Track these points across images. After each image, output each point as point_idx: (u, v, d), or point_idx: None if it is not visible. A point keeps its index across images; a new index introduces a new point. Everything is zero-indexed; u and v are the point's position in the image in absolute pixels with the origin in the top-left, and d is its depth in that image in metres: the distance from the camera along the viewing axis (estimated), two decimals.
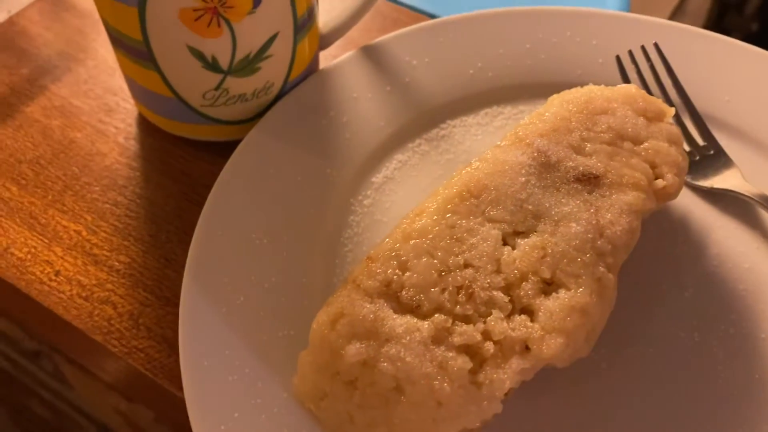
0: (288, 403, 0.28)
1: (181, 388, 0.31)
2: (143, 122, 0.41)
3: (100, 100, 0.42)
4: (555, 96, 0.34)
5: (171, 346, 0.32)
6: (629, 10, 0.80)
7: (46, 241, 0.36)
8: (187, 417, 0.27)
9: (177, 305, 0.33)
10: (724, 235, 0.35)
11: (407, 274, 0.27)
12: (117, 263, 0.35)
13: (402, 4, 0.75)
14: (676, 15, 1.15)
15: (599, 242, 0.28)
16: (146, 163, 0.39)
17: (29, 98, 0.42)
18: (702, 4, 1.36)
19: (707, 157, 0.37)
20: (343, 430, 0.27)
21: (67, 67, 0.44)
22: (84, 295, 0.34)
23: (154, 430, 0.59)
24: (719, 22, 1.72)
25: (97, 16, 0.47)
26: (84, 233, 0.36)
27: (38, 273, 0.34)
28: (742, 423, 0.29)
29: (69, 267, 0.35)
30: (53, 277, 0.34)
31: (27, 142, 0.40)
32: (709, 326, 0.32)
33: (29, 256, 0.35)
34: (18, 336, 0.61)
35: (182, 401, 0.30)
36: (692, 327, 0.32)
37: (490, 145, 0.38)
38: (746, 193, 0.35)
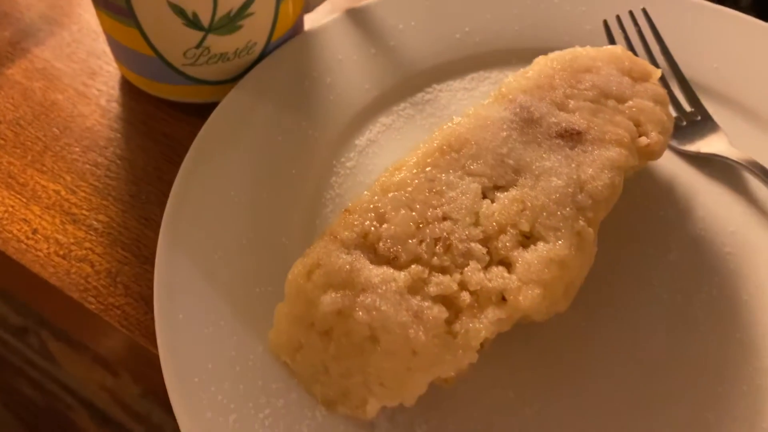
0: (263, 356, 0.27)
1: (156, 345, 0.30)
2: (126, 85, 0.41)
3: (84, 64, 0.41)
4: (541, 57, 0.34)
5: (148, 303, 0.32)
6: None
7: (24, 200, 0.35)
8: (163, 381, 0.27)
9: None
10: (710, 199, 0.35)
11: (385, 225, 0.26)
12: (96, 222, 0.34)
13: None
14: None
15: (579, 197, 0.27)
16: (127, 125, 0.39)
17: (10, 60, 0.41)
18: None
19: (694, 122, 0.37)
20: (317, 382, 0.26)
21: (50, 31, 0.43)
22: (61, 253, 0.33)
23: (140, 406, 0.59)
24: None
25: None
26: (63, 193, 0.35)
27: (15, 231, 0.34)
28: (722, 383, 0.29)
29: (47, 226, 0.34)
30: (30, 236, 0.34)
31: (7, 103, 0.39)
32: (692, 288, 0.32)
33: (6, 215, 0.34)
34: (3, 312, 0.60)
35: (158, 358, 0.30)
36: (675, 289, 0.31)
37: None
38: (733, 158, 0.35)
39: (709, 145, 0.36)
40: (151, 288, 0.32)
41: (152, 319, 0.31)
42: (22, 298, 0.40)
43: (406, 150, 0.36)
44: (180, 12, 0.33)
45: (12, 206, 0.35)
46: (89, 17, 0.44)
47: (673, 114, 0.37)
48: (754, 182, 0.35)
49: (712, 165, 0.36)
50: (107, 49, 0.42)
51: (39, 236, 0.34)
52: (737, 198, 0.35)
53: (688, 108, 0.38)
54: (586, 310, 0.30)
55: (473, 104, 0.38)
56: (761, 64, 0.39)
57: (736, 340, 0.30)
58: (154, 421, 0.59)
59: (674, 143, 0.36)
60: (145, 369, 0.33)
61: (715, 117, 0.37)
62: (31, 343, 0.65)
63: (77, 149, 0.37)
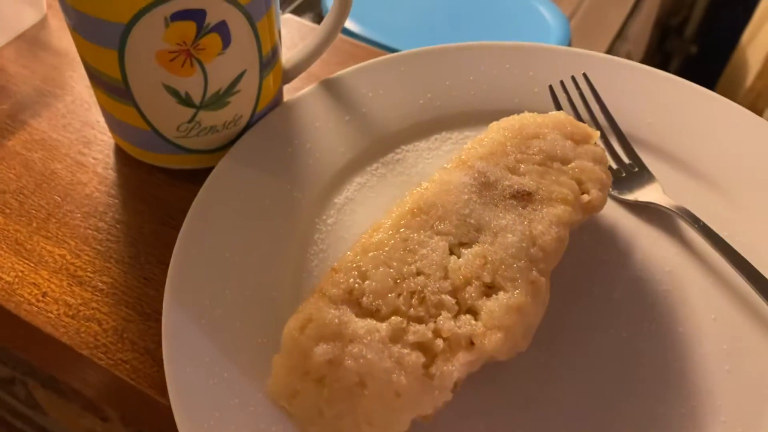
0: (263, 402, 0.31)
1: (164, 395, 0.34)
2: (120, 153, 0.44)
3: (79, 134, 0.45)
4: (494, 123, 0.38)
5: (153, 357, 0.35)
6: (569, 38, 0.86)
7: (33, 265, 0.38)
8: (169, 428, 0.30)
9: (158, 320, 0.36)
10: (648, 242, 0.39)
11: (367, 282, 0.30)
12: (100, 283, 0.38)
13: (358, 38, 0.80)
14: (617, 41, 1.22)
15: (532, 250, 0.32)
16: (124, 191, 0.42)
17: (10, 133, 0.45)
18: (643, 29, 1.44)
19: (632, 173, 0.42)
20: (313, 424, 0.30)
21: (45, 103, 0.47)
22: (71, 313, 0.36)
23: None
24: (660, 46, 1.82)
25: (71, 54, 0.50)
26: (68, 257, 0.39)
27: (26, 295, 0.37)
28: (662, 404, 0.33)
29: (55, 288, 0.37)
30: (41, 298, 0.37)
31: (10, 173, 0.43)
32: (635, 323, 0.36)
33: (17, 280, 0.38)
34: None
35: (165, 407, 0.33)
36: (620, 325, 0.36)
37: (440, 167, 0.43)
38: (666, 206, 0.40)
39: (645, 194, 0.41)
40: (155, 342, 0.36)
41: (158, 371, 0.35)
42: (34, 359, 0.42)
43: (381, 206, 0.41)
44: (174, 93, 0.37)
45: (21, 271, 0.38)
46: (81, 89, 0.48)
47: (613, 166, 0.42)
48: (684, 226, 0.40)
49: (648, 212, 0.41)
50: (100, 119, 0.46)
51: (49, 299, 0.37)
52: (671, 241, 0.39)
53: (626, 160, 0.43)
54: (544, 347, 0.34)
55: (437, 162, 0.43)
56: (689, 118, 0.44)
57: (675, 369, 0.34)
58: None
59: (615, 193, 0.41)
60: (153, 419, 0.36)
61: (650, 167, 0.42)
62: (17, 393, 0.66)
63: (78, 215, 0.41)
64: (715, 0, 1.77)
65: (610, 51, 1.21)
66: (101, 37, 0.35)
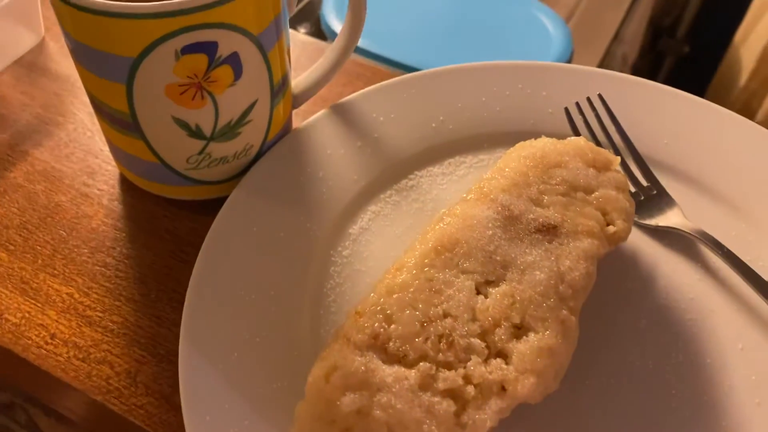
0: None
1: None
2: (125, 183, 0.43)
3: (82, 163, 0.44)
4: (512, 150, 0.37)
5: (169, 401, 0.34)
6: (572, 47, 0.85)
7: (39, 305, 0.37)
8: None
9: (172, 362, 0.35)
10: (670, 269, 0.39)
11: (393, 326, 0.29)
12: (111, 323, 0.36)
13: (358, 50, 0.79)
14: (614, 43, 1.22)
15: (561, 287, 0.31)
16: (131, 223, 0.41)
17: (11, 164, 0.43)
18: (637, 30, 1.44)
19: (651, 197, 0.41)
20: None
21: (47, 131, 0.45)
22: (81, 356, 0.35)
23: None
24: (653, 45, 1.82)
25: (72, 79, 0.49)
26: (76, 295, 0.37)
27: (34, 337, 0.36)
28: None
29: (64, 330, 0.36)
30: (49, 341, 0.36)
31: (12, 207, 0.41)
32: (662, 354, 0.35)
33: (23, 321, 0.36)
34: None
35: None
36: (647, 356, 0.35)
37: (455, 192, 0.42)
38: (687, 230, 0.39)
39: (666, 219, 0.40)
40: (170, 386, 0.34)
41: (174, 416, 0.34)
42: (44, 400, 0.41)
43: (396, 236, 0.40)
44: (184, 125, 0.36)
45: (28, 312, 0.37)
46: (83, 116, 0.47)
47: (632, 189, 0.41)
48: (706, 251, 0.39)
49: (670, 237, 0.40)
50: (104, 147, 0.45)
51: (57, 341, 0.36)
52: (694, 266, 0.39)
53: (644, 183, 0.42)
54: (571, 383, 0.33)
55: (452, 187, 0.42)
56: (706, 139, 0.43)
57: (704, 402, 0.34)
58: None
59: (635, 218, 0.40)
60: None
61: (669, 189, 0.41)
62: (18, 418, 0.65)
63: (85, 251, 0.39)
64: None
65: (606, 54, 1.20)
66: (108, 71, 0.34)
